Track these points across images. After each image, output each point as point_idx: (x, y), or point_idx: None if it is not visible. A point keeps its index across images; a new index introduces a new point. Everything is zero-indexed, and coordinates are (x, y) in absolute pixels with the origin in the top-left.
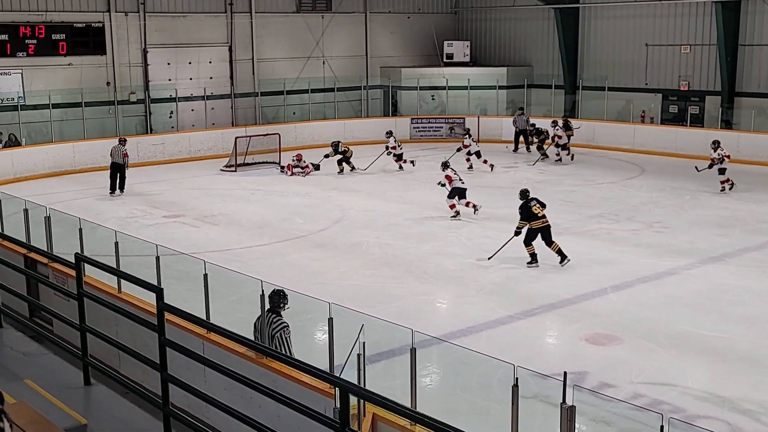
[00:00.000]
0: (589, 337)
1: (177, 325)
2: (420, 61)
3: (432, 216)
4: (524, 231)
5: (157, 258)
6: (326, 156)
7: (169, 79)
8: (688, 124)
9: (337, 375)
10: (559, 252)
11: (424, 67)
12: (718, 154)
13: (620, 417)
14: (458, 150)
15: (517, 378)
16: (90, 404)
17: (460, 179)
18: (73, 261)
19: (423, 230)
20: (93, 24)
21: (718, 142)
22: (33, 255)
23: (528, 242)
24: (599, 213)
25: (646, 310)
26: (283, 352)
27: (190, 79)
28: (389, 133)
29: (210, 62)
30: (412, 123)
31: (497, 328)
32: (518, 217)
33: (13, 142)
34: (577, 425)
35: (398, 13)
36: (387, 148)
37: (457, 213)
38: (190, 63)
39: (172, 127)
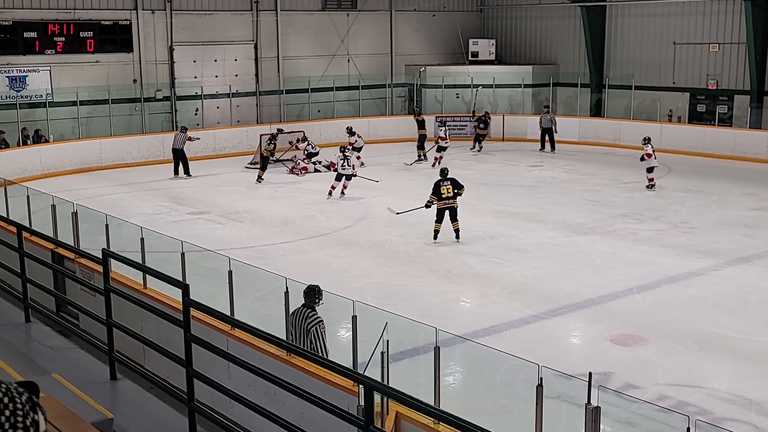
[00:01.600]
0: (614, 338)
1: (202, 321)
2: (445, 59)
3: None
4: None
5: (183, 254)
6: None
7: (195, 77)
8: (716, 123)
9: (361, 372)
10: (456, 231)
11: (449, 66)
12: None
13: (645, 418)
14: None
15: (541, 378)
16: (116, 398)
17: (348, 164)
18: (100, 256)
19: (446, 228)
20: (120, 22)
21: (648, 139)
22: (60, 250)
23: (438, 220)
24: (624, 213)
25: (671, 310)
26: (318, 345)
27: (216, 76)
28: (304, 139)
29: (235, 60)
30: (436, 121)
31: (521, 327)
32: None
33: (41, 138)
34: (601, 426)
35: (423, 11)
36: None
37: (330, 194)
38: (215, 60)
39: (198, 125)
